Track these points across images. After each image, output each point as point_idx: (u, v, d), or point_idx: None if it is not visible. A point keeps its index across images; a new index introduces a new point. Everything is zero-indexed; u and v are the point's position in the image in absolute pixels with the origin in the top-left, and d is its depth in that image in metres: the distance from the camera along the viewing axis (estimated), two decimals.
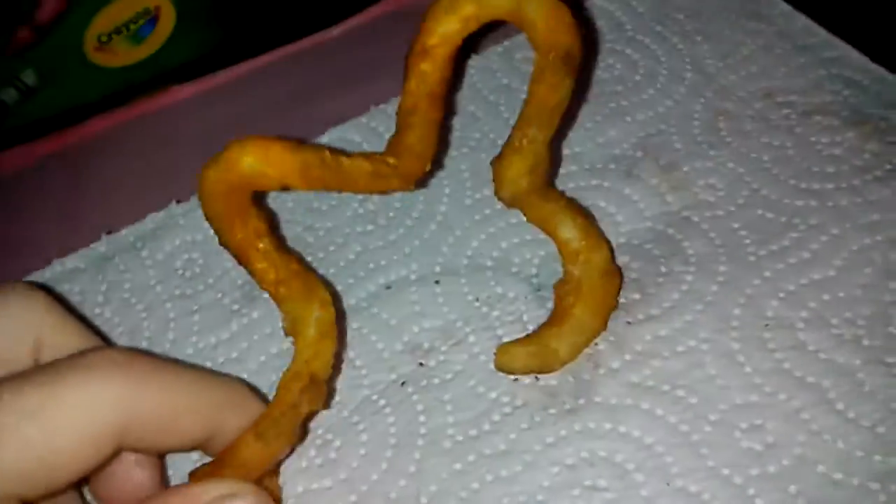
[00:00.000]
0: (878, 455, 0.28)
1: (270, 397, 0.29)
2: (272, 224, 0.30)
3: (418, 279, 0.36)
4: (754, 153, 0.37)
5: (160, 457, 0.30)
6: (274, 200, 0.40)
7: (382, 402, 0.33)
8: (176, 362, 0.31)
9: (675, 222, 0.36)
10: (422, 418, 0.32)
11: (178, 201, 0.41)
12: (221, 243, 0.30)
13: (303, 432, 0.31)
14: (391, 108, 0.42)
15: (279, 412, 0.28)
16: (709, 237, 0.35)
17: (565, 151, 0.39)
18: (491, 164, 0.32)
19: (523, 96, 0.39)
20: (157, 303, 0.37)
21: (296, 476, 0.31)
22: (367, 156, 0.29)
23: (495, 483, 0.30)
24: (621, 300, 0.34)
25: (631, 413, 0.31)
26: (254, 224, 0.29)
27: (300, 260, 0.31)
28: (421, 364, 0.34)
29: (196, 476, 0.28)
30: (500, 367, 0.32)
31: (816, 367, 0.31)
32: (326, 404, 0.32)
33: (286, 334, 0.30)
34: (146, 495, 0.28)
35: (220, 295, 0.37)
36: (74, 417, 0.24)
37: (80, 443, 0.24)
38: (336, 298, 0.35)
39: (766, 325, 0.32)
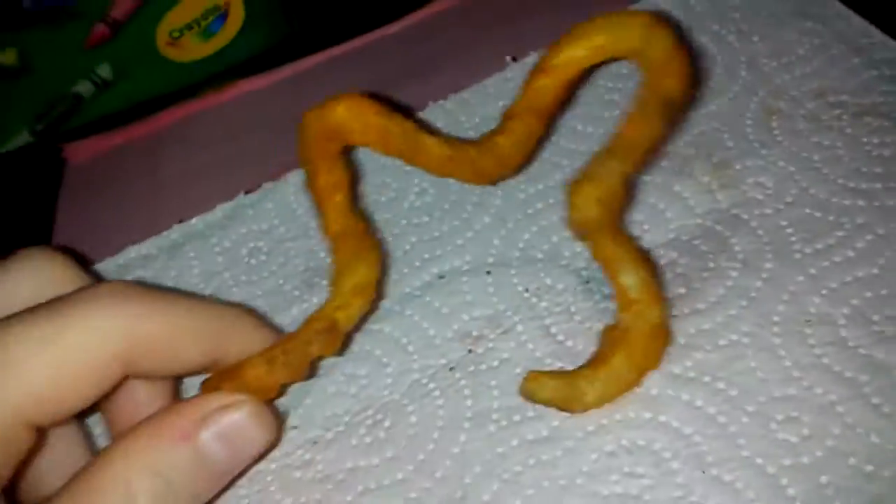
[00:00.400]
0: None
1: None
2: (354, 182, 0.32)
3: (470, 269, 0.38)
4: (805, 152, 0.38)
5: (173, 385, 0.32)
6: None
7: (432, 385, 0.35)
8: (180, 291, 0.32)
9: (723, 219, 0.36)
10: (468, 402, 0.34)
11: (247, 192, 0.43)
12: (308, 186, 0.32)
13: (310, 372, 0.32)
14: (449, 104, 0.44)
15: (292, 344, 0.29)
16: (756, 234, 0.36)
17: None
18: (564, 187, 0.32)
19: (579, 91, 0.41)
20: (224, 288, 0.40)
21: (345, 453, 0.33)
22: (450, 141, 0.31)
23: (536, 467, 0.31)
24: (667, 295, 0.35)
25: (671, 403, 0.32)
26: (338, 175, 0.31)
27: (368, 226, 0.33)
28: (470, 351, 0.35)
29: (204, 386, 0.29)
30: (525, 394, 0.32)
31: (855, 362, 0.31)
32: (340, 352, 0.33)
33: (330, 284, 0.31)
34: None
35: (282, 281, 0.39)
36: (82, 344, 0.25)
37: (88, 369, 0.26)
38: (385, 269, 0.37)
39: (808, 321, 0.33)
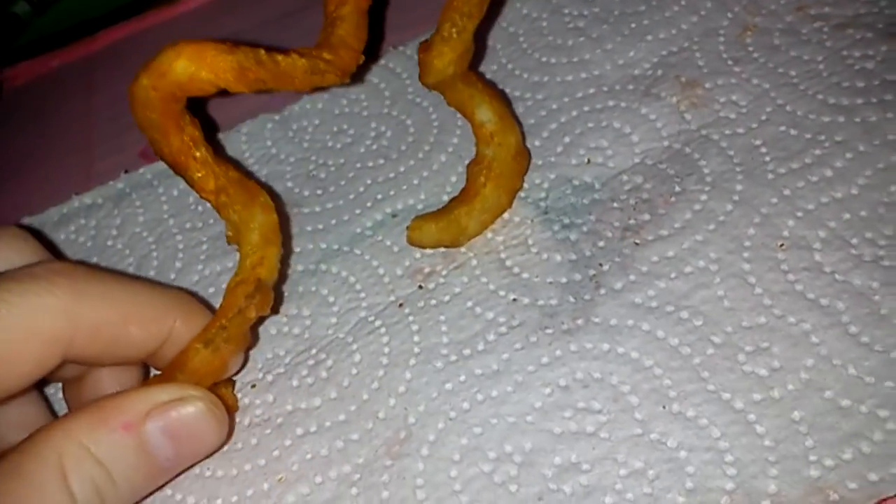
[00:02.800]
0: (890, 381, 0.26)
1: None
2: (206, 133, 0.29)
3: (425, 207, 0.35)
4: (781, 68, 0.35)
5: (139, 374, 0.30)
6: (287, 143, 0.39)
7: (378, 322, 0.32)
8: (122, 274, 0.30)
9: (692, 141, 0.34)
10: (416, 338, 0.31)
11: None
12: (157, 154, 0.29)
13: (253, 338, 0.31)
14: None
15: (226, 318, 0.27)
16: (727, 155, 0.33)
17: (582, 74, 0.37)
18: (418, 51, 0.31)
19: (544, 23, 0.38)
20: (168, 235, 0.38)
21: (285, 395, 0.31)
22: (302, 52, 0.28)
23: (485, 403, 0.29)
24: (630, 221, 0.32)
25: (631, 334, 0.29)
26: (190, 132, 0.28)
27: (238, 167, 0.30)
28: (420, 287, 0.33)
29: (149, 385, 0.27)
30: (412, 242, 0.33)
31: (831, 289, 0.29)
32: (275, 309, 0.32)
33: (229, 242, 0.29)
34: None
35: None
36: (20, 323, 0.24)
37: (27, 348, 0.24)
38: (279, 203, 0.35)
39: (781, 245, 0.30)
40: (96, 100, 0.45)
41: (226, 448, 0.30)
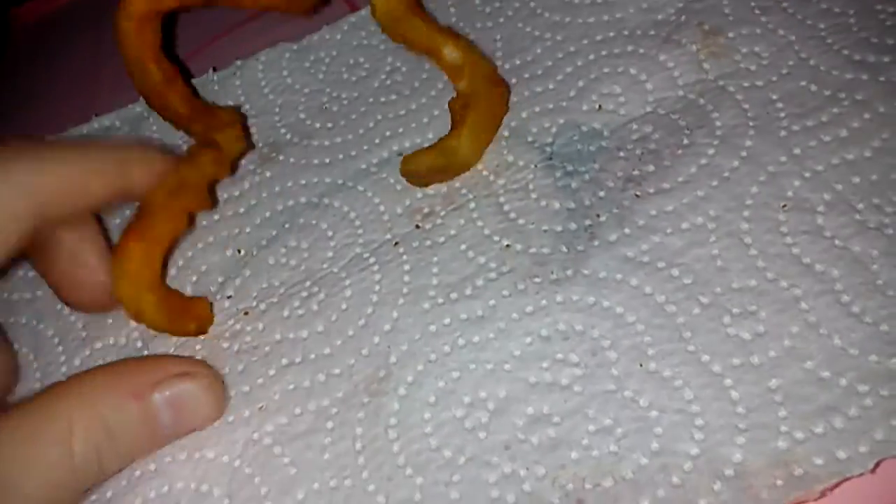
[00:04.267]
0: (874, 355, 0.26)
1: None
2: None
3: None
4: (810, 20, 0.33)
5: (97, 228, 0.32)
6: (303, 74, 0.39)
7: (372, 259, 0.33)
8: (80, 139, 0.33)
9: (708, 90, 0.33)
10: (406, 278, 0.32)
11: (215, 69, 0.41)
12: (139, 89, 0.31)
13: (211, 201, 0.33)
14: None
15: (186, 171, 0.30)
16: (741, 108, 0.32)
17: (604, 17, 0.36)
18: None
19: None
20: None
21: (275, 324, 0.32)
22: None
23: (465, 348, 0.29)
24: (634, 172, 0.32)
25: (618, 288, 0.29)
26: (165, 67, 0.31)
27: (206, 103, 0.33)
28: (417, 226, 0.33)
29: (123, 237, 0.29)
30: (405, 173, 0.33)
31: (829, 254, 0.28)
32: (231, 173, 0.35)
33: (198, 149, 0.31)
34: (101, 279, 0.31)
35: None
36: None
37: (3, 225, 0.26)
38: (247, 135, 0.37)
39: (784, 205, 0.29)
40: (105, 36, 0.45)
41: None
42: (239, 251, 0.35)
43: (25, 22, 0.48)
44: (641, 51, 0.35)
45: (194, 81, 0.40)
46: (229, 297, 0.33)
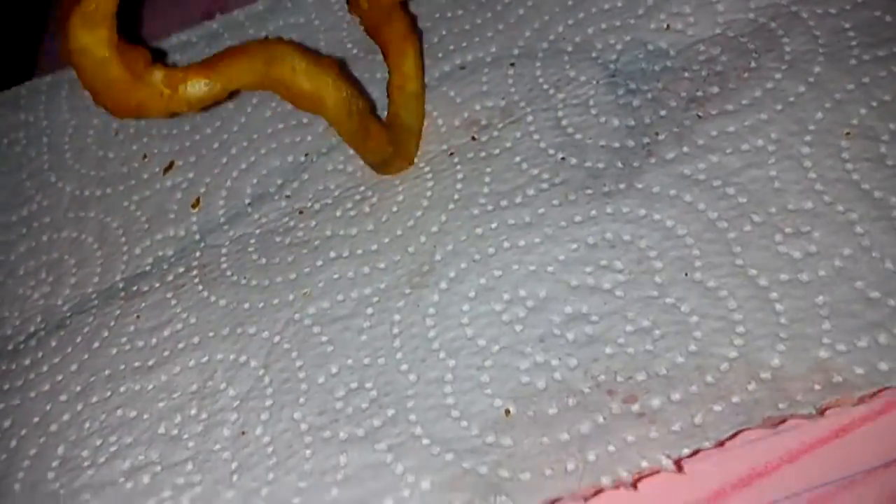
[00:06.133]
0: None
1: None
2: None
3: (493, 61, 0.37)
4: None
5: None
6: None
7: (427, 168, 0.34)
8: None
9: (780, 15, 0.33)
10: (458, 186, 0.33)
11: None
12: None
13: None
14: None
15: None
16: (812, 35, 0.32)
17: None
18: None
19: None
20: None
21: (327, 222, 0.34)
22: None
23: (511, 251, 0.31)
24: (697, 93, 0.33)
25: (671, 203, 0.30)
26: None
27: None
28: (473, 138, 0.34)
29: None
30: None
31: (889, 182, 0.28)
32: None
33: None
34: None
35: None
36: None
37: None
38: None
39: (847, 133, 0.30)
40: None
41: (264, 261, 0.33)
42: (299, 157, 0.36)
43: None
44: None
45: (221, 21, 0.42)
46: (287, 197, 0.35)
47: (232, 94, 0.29)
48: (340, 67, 0.30)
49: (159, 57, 0.38)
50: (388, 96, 0.34)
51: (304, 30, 0.41)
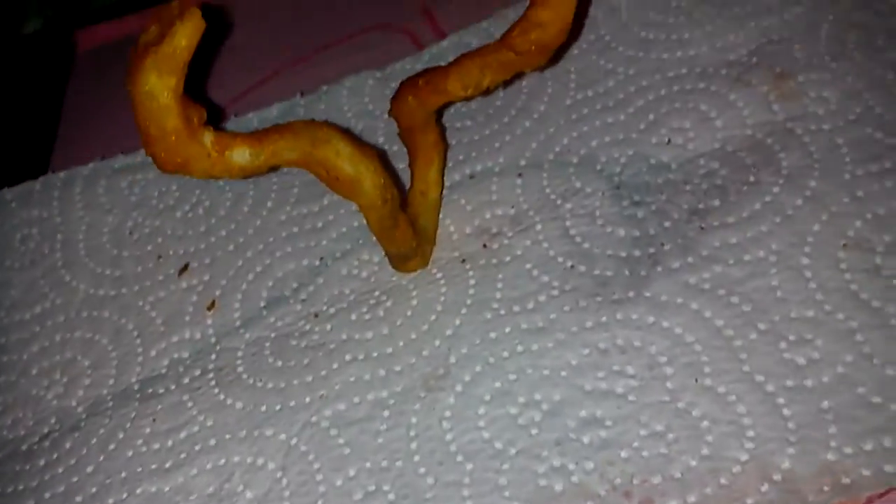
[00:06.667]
0: None
1: None
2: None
3: (502, 171, 0.39)
4: (879, 69, 0.36)
5: None
6: (384, 101, 0.43)
7: (439, 274, 0.36)
8: None
9: (776, 132, 0.36)
10: (471, 291, 0.35)
11: (302, 93, 0.45)
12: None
13: None
14: (513, 13, 0.44)
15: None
16: (807, 151, 0.35)
17: (677, 54, 0.40)
18: (406, 84, 0.33)
19: (647, 6, 0.40)
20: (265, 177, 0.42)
21: (342, 326, 0.35)
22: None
23: (524, 355, 0.32)
24: (699, 205, 0.35)
25: (678, 311, 0.32)
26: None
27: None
28: (485, 246, 0.36)
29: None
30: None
31: (887, 293, 0.30)
32: None
33: None
34: None
35: None
36: None
37: None
38: None
39: (844, 244, 0.32)
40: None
41: (280, 364, 0.34)
42: (314, 261, 0.38)
43: (88, 47, 0.53)
44: (713, 89, 0.38)
45: (280, 104, 0.44)
46: (303, 301, 0.37)
47: (271, 169, 0.30)
48: (381, 157, 0.31)
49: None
50: (408, 200, 0.36)
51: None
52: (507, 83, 0.36)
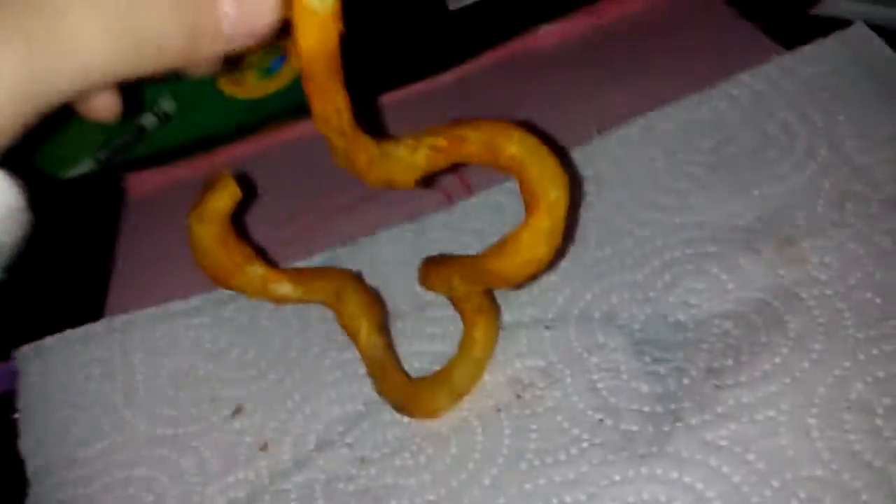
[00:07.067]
0: None
1: None
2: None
3: (531, 323, 0.42)
4: (876, 236, 0.40)
5: None
6: (419, 251, 0.48)
7: (476, 423, 0.39)
8: None
9: (782, 295, 0.40)
10: (507, 441, 0.38)
11: (344, 243, 0.49)
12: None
13: None
14: None
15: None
16: (812, 314, 0.39)
17: (689, 218, 0.44)
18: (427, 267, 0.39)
19: (660, 165, 0.45)
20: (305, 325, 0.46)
21: (386, 471, 0.38)
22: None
23: None
24: (714, 364, 0.38)
25: (698, 467, 0.35)
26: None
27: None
28: (518, 396, 0.40)
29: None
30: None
31: (887, 453, 0.34)
32: None
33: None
34: None
35: None
36: None
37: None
38: None
39: (848, 406, 0.35)
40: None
41: None
42: (358, 406, 0.41)
43: (139, 192, 0.57)
44: (722, 252, 0.42)
45: (321, 254, 0.49)
46: (349, 445, 0.40)
47: (309, 302, 0.39)
48: (383, 318, 0.39)
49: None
50: (458, 351, 0.40)
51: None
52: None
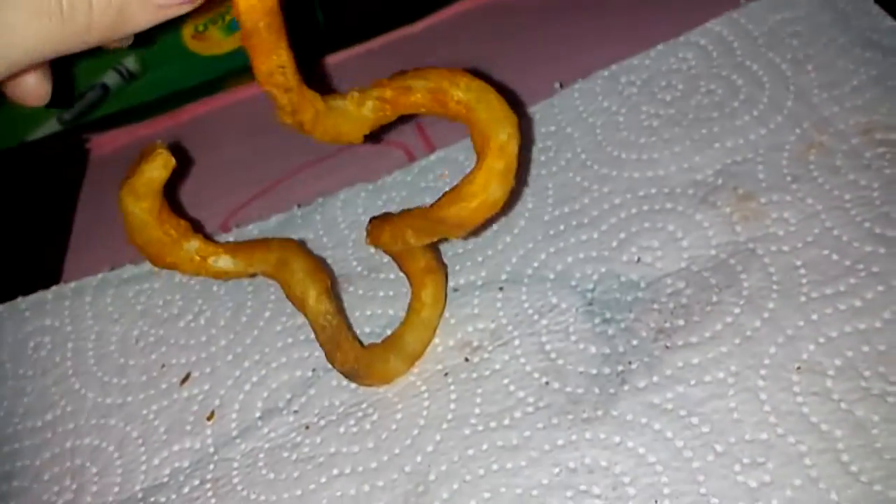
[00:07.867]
0: None
1: None
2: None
3: (483, 284, 0.42)
4: (837, 191, 0.39)
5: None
6: (376, 211, 0.47)
7: (423, 387, 0.39)
8: None
9: (738, 252, 0.39)
10: (452, 406, 0.38)
11: (299, 205, 0.49)
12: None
13: None
14: None
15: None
16: (767, 272, 0.38)
17: (648, 173, 0.43)
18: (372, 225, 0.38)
19: (622, 119, 0.44)
20: (264, 286, 0.46)
21: (331, 439, 0.38)
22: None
23: (499, 473, 0.35)
24: (665, 324, 0.38)
25: (642, 431, 0.35)
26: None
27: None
28: (467, 360, 0.39)
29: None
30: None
31: (835, 416, 0.33)
32: None
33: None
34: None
35: None
36: None
37: None
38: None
39: (798, 367, 0.35)
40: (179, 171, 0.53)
41: (272, 476, 0.38)
42: (307, 372, 0.41)
43: (102, 153, 0.57)
44: (679, 209, 0.41)
45: (278, 216, 0.48)
46: (295, 412, 0.40)
47: (252, 275, 0.38)
48: (332, 284, 0.38)
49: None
50: (406, 315, 0.40)
51: (314, 245, 0.47)
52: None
